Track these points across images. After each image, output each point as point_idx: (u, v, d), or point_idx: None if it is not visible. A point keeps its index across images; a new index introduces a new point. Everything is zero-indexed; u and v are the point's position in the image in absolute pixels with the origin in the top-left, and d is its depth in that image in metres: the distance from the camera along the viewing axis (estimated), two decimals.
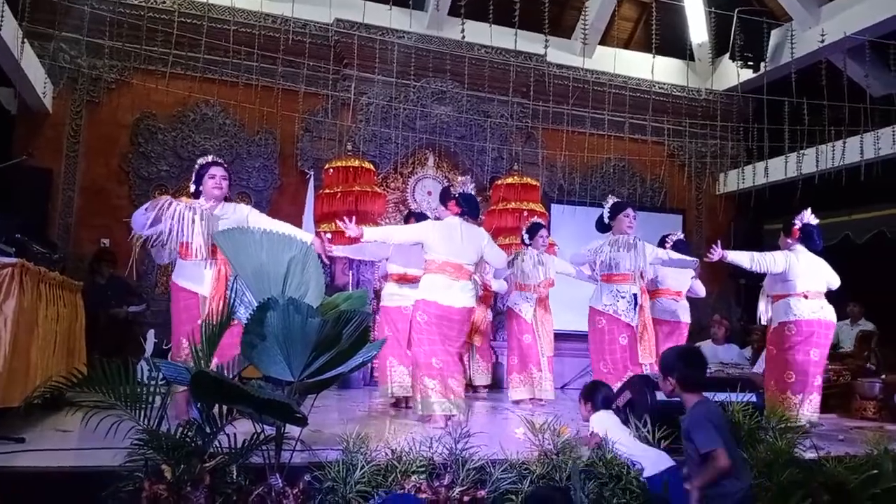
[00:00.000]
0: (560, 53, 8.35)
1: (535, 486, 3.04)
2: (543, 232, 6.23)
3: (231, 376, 2.76)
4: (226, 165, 4.47)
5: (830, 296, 5.20)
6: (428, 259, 4.80)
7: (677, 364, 3.04)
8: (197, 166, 4.39)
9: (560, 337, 6.65)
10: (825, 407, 5.36)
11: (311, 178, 7.32)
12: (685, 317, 6.02)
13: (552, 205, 8.34)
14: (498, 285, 6.53)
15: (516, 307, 6.14)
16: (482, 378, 7.03)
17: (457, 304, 4.68)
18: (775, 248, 5.32)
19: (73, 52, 6.80)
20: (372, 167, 7.27)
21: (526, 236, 6.25)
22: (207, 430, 2.64)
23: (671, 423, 3.35)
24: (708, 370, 7.16)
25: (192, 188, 4.38)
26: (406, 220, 6.07)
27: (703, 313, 7.60)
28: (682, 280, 5.98)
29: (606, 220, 5.37)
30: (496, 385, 7.44)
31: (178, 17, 6.45)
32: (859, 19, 6.90)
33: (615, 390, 4.17)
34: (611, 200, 5.45)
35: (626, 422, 3.63)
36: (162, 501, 2.49)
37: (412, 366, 4.96)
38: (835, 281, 5.19)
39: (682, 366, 3.02)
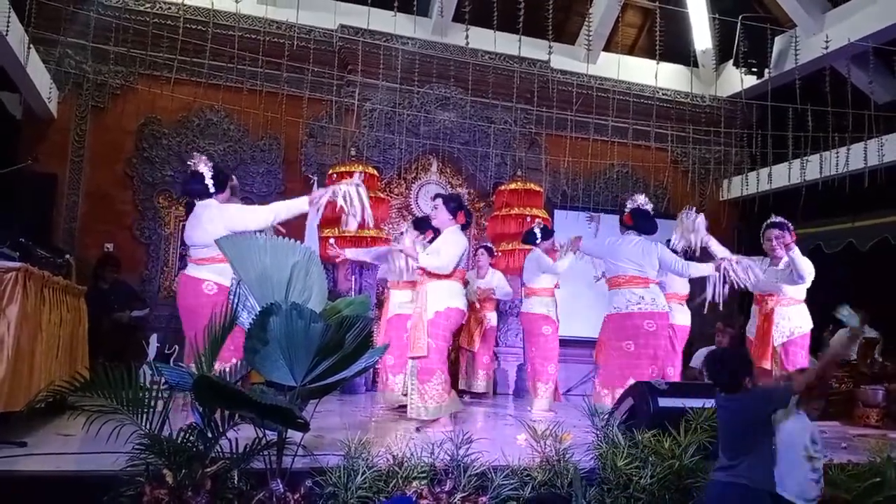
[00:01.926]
0: (564, 59, 8.36)
1: (537, 493, 3.05)
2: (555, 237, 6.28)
3: (233, 381, 2.76)
4: None
5: (832, 301, 5.20)
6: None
7: (709, 361, 3.06)
8: (215, 170, 4.21)
9: (564, 343, 6.61)
10: (827, 414, 5.33)
11: (315, 184, 7.27)
12: (686, 321, 6.04)
13: (555, 211, 8.33)
14: (502, 293, 6.51)
15: (551, 313, 6.01)
16: (481, 385, 6.96)
17: (465, 308, 4.95)
18: None
19: (79, 58, 6.81)
20: (375, 173, 7.27)
21: (539, 235, 6.13)
22: (209, 434, 2.64)
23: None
24: None
25: (213, 189, 4.16)
26: (415, 227, 5.94)
27: (705, 319, 7.55)
28: (685, 284, 6.01)
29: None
30: (496, 392, 7.41)
31: (182, 23, 6.49)
32: (863, 26, 6.88)
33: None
34: (646, 203, 5.52)
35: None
36: None
37: (434, 372, 4.71)
38: None
39: (712, 364, 3.02)
